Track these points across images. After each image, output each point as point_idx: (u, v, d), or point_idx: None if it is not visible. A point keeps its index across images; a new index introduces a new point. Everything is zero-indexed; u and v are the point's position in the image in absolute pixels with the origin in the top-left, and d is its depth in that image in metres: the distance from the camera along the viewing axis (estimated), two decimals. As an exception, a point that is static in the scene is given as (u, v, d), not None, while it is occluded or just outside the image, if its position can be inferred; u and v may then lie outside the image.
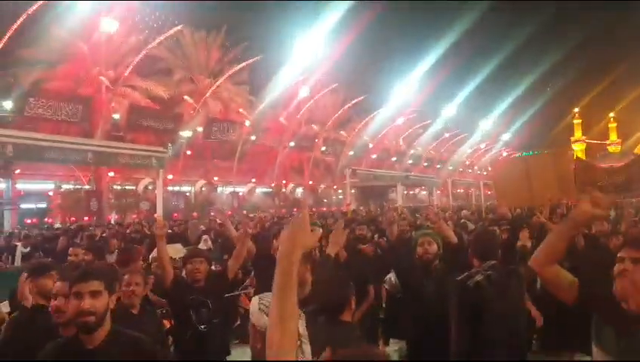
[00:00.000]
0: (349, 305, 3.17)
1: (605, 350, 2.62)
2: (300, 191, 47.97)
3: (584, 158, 65.92)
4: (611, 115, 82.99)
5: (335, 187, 49.36)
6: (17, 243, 11.44)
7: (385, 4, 50.85)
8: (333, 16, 41.31)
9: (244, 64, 40.79)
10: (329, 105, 50.07)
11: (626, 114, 77.66)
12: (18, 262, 10.37)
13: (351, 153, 51.45)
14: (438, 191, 44.99)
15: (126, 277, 4.25)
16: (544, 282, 2.81)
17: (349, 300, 3.17)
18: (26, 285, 3.81)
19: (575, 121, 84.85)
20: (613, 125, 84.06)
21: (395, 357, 5.73)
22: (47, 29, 28.38)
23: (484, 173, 62.42)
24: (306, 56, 42.02)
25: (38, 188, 30.87)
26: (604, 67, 73.37)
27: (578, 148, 79.59)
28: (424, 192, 50.53)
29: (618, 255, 2.63)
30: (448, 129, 64.82)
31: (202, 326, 4.34)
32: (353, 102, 50.46)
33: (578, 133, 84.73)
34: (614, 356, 2.54)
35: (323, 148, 49.75)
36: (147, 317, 4.22)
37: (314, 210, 36.59)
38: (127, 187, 34.37)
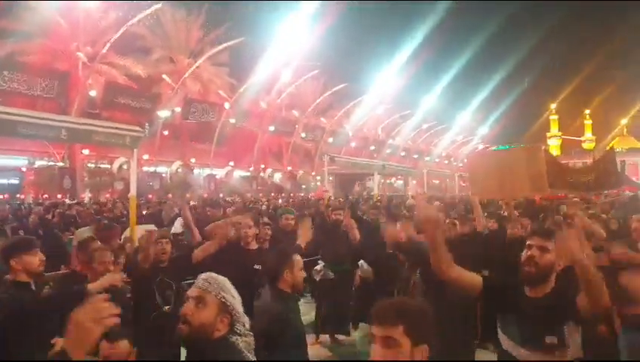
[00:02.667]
0: (282, 275, 3.53)
1: (509, 336, 2.78)
2: (278, 176, 47.93)
3: (558, 154, 67.05)
4: (587, 111, 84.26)
5: (314, 173, 49.42)
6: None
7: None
8: (316, 2, 41.07)
9: (224, 45, 40.34)
10: (310, 91, 49.94)
11: (602, 111, 79.00)
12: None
13: (330, 140, 51.49)
14: (414, 181, 45.33)
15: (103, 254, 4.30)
16: (449, 283, 2.95)
17: (282, 271, 3.54)
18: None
19: (552, 117, 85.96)
20: (588, 122, 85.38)
21: (362, 342, 5.82)
22: (26, 1, 27.74)
23: (460, 165, 63.06)
24: (288, 41, 41.73)
25: (10, 164, 30.32)
26: (582, 63, 74.40)
27: (554, 144, 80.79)
28: (400, 182, 50.81)
29: (527, 242, 2.93)
30: (427, 120, 65.24)
31: (166, 308, 4.39)
32: (334, 89, 50.37)
33: (554, 129, 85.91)
34: (518, 342, 2.71)
35: (303, 135, 49.69)
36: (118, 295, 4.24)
37: (292, 195, 36.60)
38: (101, 165, 33.95)
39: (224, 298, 2.43)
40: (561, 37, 75.37)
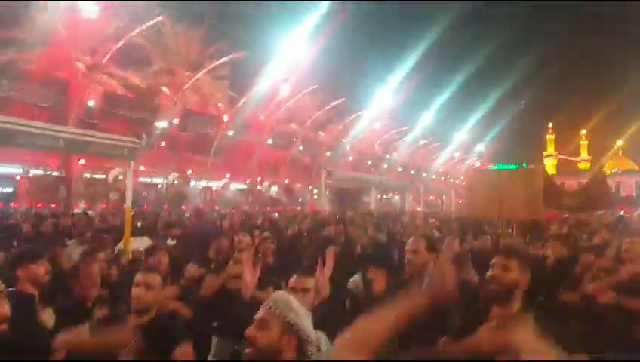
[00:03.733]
0: None
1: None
2: (274, 189, 47.86)
3: (554, 174, 67.24)
4: (583, 132, 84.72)
5: (310, 187, 49.36)
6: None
7: (366, 10, 51.04)
8: (315, 18, 41.36)
9: (224, 59, 40.45)
10: (309, 105, 50.04)
11: (598, 132, 79.42)
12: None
13: (328, 154, 51.52)
14: (411, 197, 45.32)
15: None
16: None
17: None
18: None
19: (548, 136, 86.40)
20: (584, 142, 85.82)
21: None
22: (26, 10, 27.77)
23: (457, 182, 63.14)
24: (289, 55, 41.94)
25: (5, 172, 30.17)
26: (579, 84, 74.95)
27: (550, 163, 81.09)
28: (397, 197, 50.86)
29: (491, 261, 2.98)
30: (424, 136, 65.42)
31: None
32: (333, 103, 50.51)
33: (551, 148, 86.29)
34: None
35: (300, 148, 49.71)
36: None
37: (288, 208, 36.52)
38: (97, 176, 33.82)
39: (288, 317, 2.34)
40: (559, 58, 75.95)
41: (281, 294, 2.50)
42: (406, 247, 4.20)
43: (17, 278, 3.58)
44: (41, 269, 3.62)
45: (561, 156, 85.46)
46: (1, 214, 18.63)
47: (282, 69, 42.82)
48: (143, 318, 3.24)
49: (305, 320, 2.39)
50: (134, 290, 3.29)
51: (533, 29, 75.59)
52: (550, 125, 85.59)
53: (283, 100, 46.43)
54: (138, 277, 3.38)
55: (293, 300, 2.44)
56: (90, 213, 17.81)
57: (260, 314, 2.37)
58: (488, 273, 2.93)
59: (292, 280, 3.48)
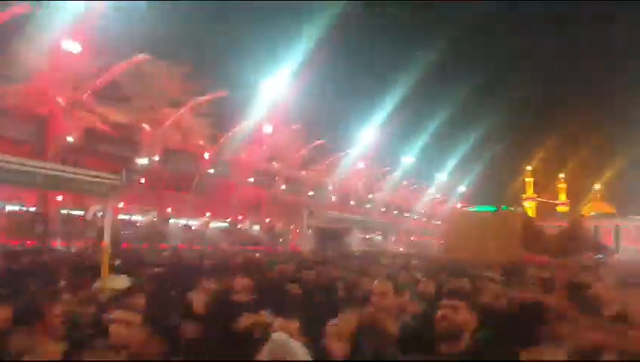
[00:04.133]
0: None
1: None
2: (256, 228, 47.47)
3: (533, 218, 67.89)
4: (561, 175, 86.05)
5: (292, 226, 49.06)
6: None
7: (348, 51, 52.07)
8: (298, 56, 41.99)
9: (206, 97, 40.62)
10: (291, 144, 50.23)
11: (576, 175, 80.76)
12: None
13: (311, 193, 51.48)
14: (393, 238, 45.25)
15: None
16: None
17: None
18: None
19: (527, 179, 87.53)
20: (562, 185, 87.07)
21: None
22: (8, 44, 27.70)
23: (439, 223, 63.38)
24: (271, 94, 42.32)
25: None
26: (557, 127, 76.51)
27: (529, 206, 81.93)
28: (379, 237, 50.80)
29: (440, 302, 3.19)
30: (407, 177, 65.93)
31: None
32: (315, 143, 50.80)
33: (530, 191, 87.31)
34: None
35: (283, 187, 49.63)
36: None
37: (270, 248, 36.10)
38: (75, 212, 33.24)
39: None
40: (537, 100, 77.70)
41: (280, 337, 2.48)
42: (372, 289, 4.22)
43: None
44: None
45: (540, 199, 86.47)
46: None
47: (264, 108, 43.10)
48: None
49: None
50: (111, 327, 3.23)
51: (511, 72, 77.43)
52: (529, 168, 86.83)
53: (265, 139, 46.57)
54: (116, 314, 3.35)
55: (292, 343, 2.45)
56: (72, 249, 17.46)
57: (263, 356, 2.37)
58: (438, 313, 3.13)
59: (275, 323, 3.44)
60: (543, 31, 75.83)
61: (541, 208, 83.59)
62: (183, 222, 40.71)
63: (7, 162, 7.32)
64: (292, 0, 44.90)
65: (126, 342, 3.23)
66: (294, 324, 3.42)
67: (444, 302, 3.17)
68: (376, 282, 4.33)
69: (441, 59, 57.41)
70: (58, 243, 29.13)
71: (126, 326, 3.29)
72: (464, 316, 3.09)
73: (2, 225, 29.77)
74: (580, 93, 75.63)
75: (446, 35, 61.13)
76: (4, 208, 30.12)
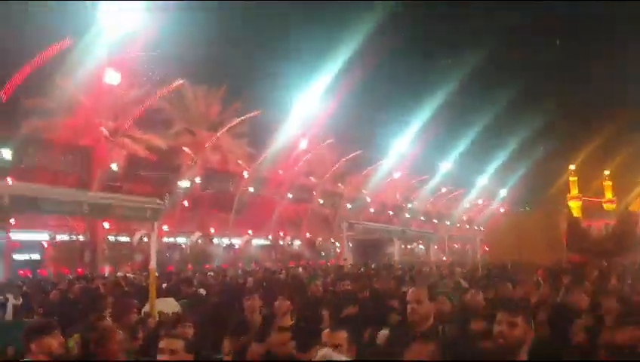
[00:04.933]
0: None
1: None
2: (297, 243, 47.74)
3: (579, 218, 66.08)
4: (606, 172, 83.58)
5: (332, 240, 49.14)
6: (9, 295, 11.26)
7: (381, 61, 51.91)
8: (331, 70, 42.18)
9: (243, 117, 41.32)
10: (327, 158, 50.46)
11: (622, 172, 78.21)
12: (9, 315, 10.18)
13: (349, 206, 51.49)
14: (436, 247, 44.74)
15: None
16: None
17: None
18: None
19: (571, 179, 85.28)
20: (608, 183, 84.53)
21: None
22: (50, 80, 28.80)
23: (481, 229, 62.34)
24: (305, 110, 42.70)
25: (32, 239, 30.61)
26: (601, 124, 74.32)
27: (574, 206, 79.73)
28: (421, 247, 50.27)
29: (496, 317, 3.09)
30: (445, 184, 65.15)
31: None
32: (350, 155, 50.90)
33: (574, 191, 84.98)
34: None
35: (321, 201, 49.82)
36: None
37: (311, 263, 36.26)
38: (122, 238, 34.16)
39: None
40: (579, 98, 75.77)
41: (328, 353, 2.59)
42: (408, 297, 4.26)
43: (30, 350, 3.68)
44: (54, 342, 3.69)
45: (585, 198, 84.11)
46: (30, 282, 18.76)
47: (299, 124, 43.50)
48: None
49: None
50: (159, 357, 3.37)
51: (553, 70, 75.81)
52: (572, 167, 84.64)
53: (301, 154, 46.93)
54: (162, 343, 3.46)
55: (337, 358, 2.54)
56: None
57: None
58: (495, 329, 3.04)
59: (324, 334, 3.52)
60: (584, 30, 74.05)
61: (587, 207, 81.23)
62: (226, 241, 41.31)
63: (56, 193, 7.71)
64: (323, 12, 45.22)
65: None
66: (343, 334, 3.49)
67: (500, 316, 3.09)
68: (411, 290, 4.36)
69: (479, 64, 56.50)
70: (106, 270, 30.00)
71: (170, 354, 3.39)
72: (522, 331, 3.02)
73: (54, 254, 30.85)
74: (622, 89, 73.42)
75: (485, 38, 60.32)
76: (54, 238, 31.18)
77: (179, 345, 3.45)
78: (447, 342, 3.90)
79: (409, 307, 4.18)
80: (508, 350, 2.96)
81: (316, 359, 2.69)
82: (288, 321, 5.54)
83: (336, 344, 3.38)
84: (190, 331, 4.70)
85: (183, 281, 12.77)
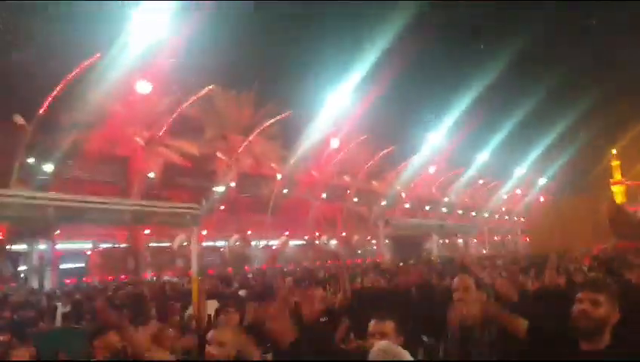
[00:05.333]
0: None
1: None
2: (333, 242, 47.80)
3: (624, 201, 64.23)
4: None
5: (369, 238, 49.04)
6: (57, 303, 11.59)
7: (413, 55, 51.36)
8: (361, 67, 41.97)
9: (274, 120, 41.55)
10: (360, 156, 50.33)
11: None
12: (59, 322, 10.47)
13: (384, 203, 51.26)
14: (475, 240, 44.20)
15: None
16: None
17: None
18: None
19: (613, 163, 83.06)
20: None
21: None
22: (84, 93, 29.47)
23: (522, 220, 61.27)
24: (336, 108, 42.65)
25: (76, 248, 31.47)
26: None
27: (618, 191, 77.60)
28: (460, 241, 49.73)
29: (578, 296, 2.93)
30: (482, 176, 64.17)
31: None
32: (383, 152, 50.65)
33: (617, 175, 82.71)
34: None
35: (355, 199, 49.73)
36: None
37: (348, 261, 36.25)
38: (162, 244, 34.78)
39: None
40: (619, 82, 73.56)
41: (389, 346, 2.61)
42: (453, 286, 4.12)
43: (95, 349, 3.95)
44: (114, 338, 3.90)
45: (628, 182, 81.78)
46: (75, 289, 19.26)
47: (330, 123, 43.49)
48: None
49: None
50: (208, 349, 3.38)
51: (591, 57, 73.93)
52: (614, 151, 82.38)
53: (334, 153, 46.94)
54: (209, 335, 3.47)
55: (396, 349, 2.55)
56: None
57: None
58: (576, 308, 2.88)
59: (371, 325, 3.53)
60: (622, 16, 72.00)
61: (632, 192, 78.95)
62: (263, 243, 41.65)
63: (99, 203, 7.91)
64: (352, 8, 44.93)
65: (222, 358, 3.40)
66: (390, 325, 3.48)
67: (582, 295, 2.91)
68: (456, 279, 4.22)
69: (515, 53, 55.40)
70: (149, 275, 30.62)
71: (219, 345, 3.37)
72: (606, 310, 2.84)
73: (98, 262, 31.64)
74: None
75: (522, 29, 58.96)
76: (97, 246, 31.97)
77: (227, 335, 3.45)
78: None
79: (455, 295, 4.05)
80: (592, 330, 2.81)
81: (374, 349, 2.70)
82: (322, 308, 5.57)
83: (384, 333, 3.39)
84: (236, 316, 4.73)
85: (222, 280, 12.92)
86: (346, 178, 49.65)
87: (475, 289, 4.04)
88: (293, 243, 44.42)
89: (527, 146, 65.25)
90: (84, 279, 29.96)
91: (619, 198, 69.84)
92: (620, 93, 76.58)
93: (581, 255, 12.56)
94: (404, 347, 3.29)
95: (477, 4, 54.11)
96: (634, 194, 75.22)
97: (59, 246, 30.12)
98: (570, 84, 71.93)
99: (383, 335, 3.37)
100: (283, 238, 43.39)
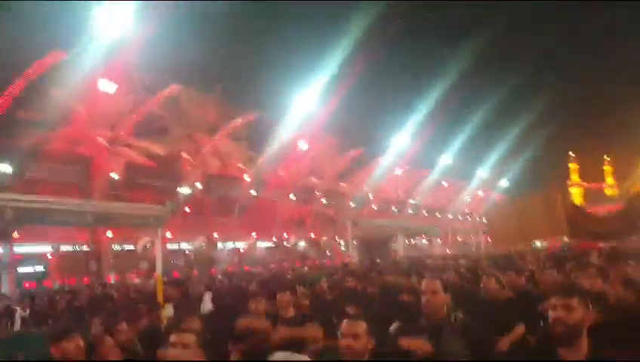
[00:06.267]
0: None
1: None
2: (302, 244, 47.78)
3: (582, 203, 66.02)
4: (606, 157, 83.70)
5: (337, 239, 49.18)
6: (16, 308, 11.29)
7: (379, 57, 51.81)
8: (329, 70, 42.13)
9: (241, 120, 41.32)
10: (328, 157, 50.49)
11: (622, 156, 78.26)
12: (17, 326, 10.21)
13: (351, 204, 51.51)
14: (439, 240, 44.85)
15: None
16: None
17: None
18: None
19: (571, 165, 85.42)
20: (608, 168, 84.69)
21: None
22: (45, 92, 28.80)
23: (484, 221, 62.39)
24: (304, 110, 42.67)
25: (36, 251, 30.63)
26: (598, 110, 74.36)
27: (575, 192, 79.83)
28: (424, 241, 50.31)
29: (550, 302, 2.86)
30: (446, 177, 65.19)
31: None
32: (351, 153, 50.91)
33: (575, 177, 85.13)
34: None
35: (324, 201, 49.83)
36: None
37: (317, 262, 36.32)
38: (126, 247, 34.19)
39: None
40: (576, 85, 75.65)
41: (287, 354, 2.56)
42: (423, 288, 4.27)
43: (52, 356, 3.86)
44: (72, 346, 3.83)
45: (585, 184, 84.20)
46: (35, 294, 18.78)
47: (298, 124, 43.49)
48: None
49: None
50: (171, 352, 3.35)
51: (549, 58, 75.80)
52: (572, 154, 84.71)
53: (302, 155, 46.95)
54: (173, 338, 3.42)
55: (298, 356, 2.48)
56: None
57: None
58: (551, 316, 2.82)
59: (342, 325, 3.48)
60: (580, 16, 73.94)
61: (588, 194, 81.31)
62: (230, 245, 41.33)
63: (60, 204, 7.71)
64: (316, 10, 45.15)
65: None
66: (362, 325, 3.42)
67: (554, 301, 2.84)
68: (425, 281, 4.39)
69: (475, 57, 56.47)
70: (112, 278, 30.05)
71: (183, 347, 3.34)
72: (580, 314, 2.78)
73: (59, 265, 30.88)
74: (620, 76, 73.31)
75: (480, 31, 60.11)
76: (58, 249, 31.20)
77: (190, 338, 3.41)
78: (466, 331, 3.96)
79: (423, 298, 4.22)
80: (567, 336, 2.76)
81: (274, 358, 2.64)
82: (291, 312, 5.57)
83: (355, 334, 3.36)
84: (198, 325, 4.68)
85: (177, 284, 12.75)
86: (314, 179, 49.70)
87: (441, 291, 4.20)
88: (260, 244, 44.22)
89: (489, 149, 66.75)
90: (44, 283, 29.23)
91: (577, 200, 71.86)
92: (578, 98, 78.78)
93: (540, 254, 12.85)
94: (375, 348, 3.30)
95: (440, 6, 55.08)
96: (591, 197, 77.51)
97: (17, 249, 29.29)
98: (530, 89, 73.76)
99: (355, 336, 3.34)
100: (250, 240, 43.16)
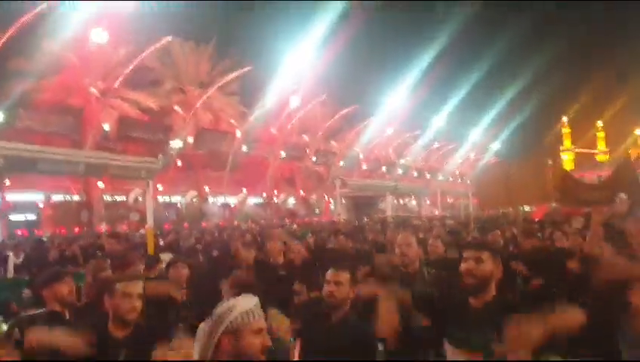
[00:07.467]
0: None
1: (455, 345, 3.00)
2: (291, 201, 48.12)
3: (572, 168, 66.36)
4: (599, 123, 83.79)
5: (326, 197, 49.53)
6: (9, 254, 11.46)
7: (373, 15, 51.13)
8: (322, 26, 41.52)
9: (234, 75, 40.91)
10: (319, 115, 50.28)
11: (615, 122, 78.48)
12: (11, 272, 10.41)
13: (342, 163, 51.65)
14: (428, 202, 45.24)
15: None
16: None
17: None
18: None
19: (564, 130, 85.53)
20: (601, 134, 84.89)
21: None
22: (38, 41, 28.38)
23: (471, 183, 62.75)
24: (297, 67, 42.25)
25: (27, 200, 30.76)
26: (593, 74, 74.07)
27: (567, 158, 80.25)
28: (414, 202, 50.76)
29: (463, 255, 3.11)
30: (438, 139, 65.17)
31: None
32: (343, 112, 50.71)
33: (567, 143, 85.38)
34: (465, 349, 2.93)
35: (314, 159, 49.93)
36: None
37: (306, 220, 36.70)
38: (117, 198, 34.35)
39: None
40: (571, 49, 75.13)
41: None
42: (397, 241, 4.56)
43: (45, 299, 3.79)
44: (64, 288, 3.79)
45: (578, 150, 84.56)
46: (26, 241, 18.98)
47: (291, 80, 43.15)
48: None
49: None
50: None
51: (542, 23, 75.01)
52: (565, 119, 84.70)
53: (293, 112, 46.74)
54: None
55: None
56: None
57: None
58: (462, 267, 3.05)
59: (328, 273, 3.68)
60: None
61: (580, 159, 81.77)
62: (221, 200, 41.58)
63: (52, 153, 7.83)
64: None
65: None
66: (345, 275, 3.58)
67: (466, 254, 3.07)
68: (401, 234, 4.66)
69: (471, 16, 55.82)
70: (103, 229, 30.30)
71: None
72: (490, 267, 3.00)
73: (50, 214, 31.08)
74: (614, 39, 72.91)
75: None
76: (50, 198, 31.32)
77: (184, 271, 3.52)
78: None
79: (397, 250, 4.46)
80: (477, 286, 2.97)
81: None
82: (281, 260, 5.81)
83: (339, 281, 3.56)
84: (185, 271, 4.87)
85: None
86: (305, 137, 49.65)
87: (415, 245, 4.43)
88: (251, 200, 44.50)
89: (482, 111, 66.55)
90: (35, 231, 29.45)
91: (568, 165, 72.28)
92: (572, 62, 78.37)
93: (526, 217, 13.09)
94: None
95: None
96: (582, 162, 78.01)
97: (9, 197, 29.40)
98: (524, 52, 73.19)
99: (337, 284, 3.55)
100: (241, 196, 43.39)
